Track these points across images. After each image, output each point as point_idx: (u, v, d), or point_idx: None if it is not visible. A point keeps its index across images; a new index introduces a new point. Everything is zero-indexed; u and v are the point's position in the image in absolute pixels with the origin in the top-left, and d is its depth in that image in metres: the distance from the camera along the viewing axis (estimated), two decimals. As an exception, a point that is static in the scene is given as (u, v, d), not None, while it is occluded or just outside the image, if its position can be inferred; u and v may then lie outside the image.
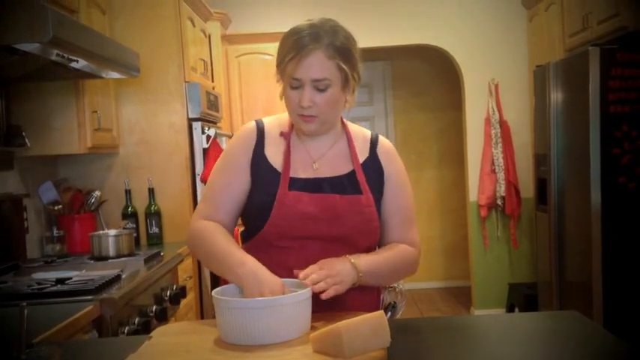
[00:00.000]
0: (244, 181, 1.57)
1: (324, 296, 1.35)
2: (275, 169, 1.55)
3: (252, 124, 1.62)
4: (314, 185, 1.54)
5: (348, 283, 1.41)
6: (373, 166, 1.60)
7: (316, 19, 1.50)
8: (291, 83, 1.48)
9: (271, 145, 1.58)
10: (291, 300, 1.28)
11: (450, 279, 6.17)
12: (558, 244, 3.69)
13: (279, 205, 1.50)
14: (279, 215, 1.50)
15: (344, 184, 1.55)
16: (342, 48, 1.47)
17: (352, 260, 1.44)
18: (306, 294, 1.31)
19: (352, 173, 1.57)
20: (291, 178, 1.54)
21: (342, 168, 1.58)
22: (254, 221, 1.55)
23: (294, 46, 1.45)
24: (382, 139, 1.66)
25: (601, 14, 3.41)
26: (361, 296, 1.52)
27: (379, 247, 1.63)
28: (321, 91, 1.47)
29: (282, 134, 1.59)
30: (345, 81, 1.49)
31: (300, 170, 1.56)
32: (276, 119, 1.64)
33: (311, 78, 1.45)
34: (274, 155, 1.57)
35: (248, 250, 1.52)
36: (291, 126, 1.59)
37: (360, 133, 1.65)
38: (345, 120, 1.64)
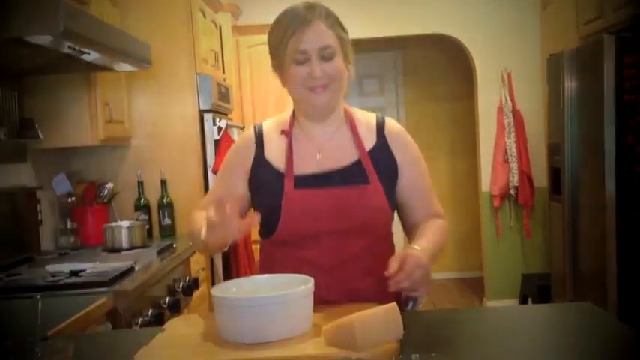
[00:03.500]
0: (241, 188, 1.58)
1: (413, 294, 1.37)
2: (278, 171, 1.53)
3: (250, 131, 1.62)
4: (320, 180, 1.51)
5: (430, 273, 1.37)
6: (383, 152, 1.56)
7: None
8: (297, 58, 1.46)
9: (272, 148, 1.57)
10: (292, 296, 1.23)
11: (463, 269, 6.15)
12: (572, 235, 3.66)
13: (287, 205, 1.48)
14: (289, 215, 1.48)
15: (352, 174, 1.52)
16: (336, 19, 1.51)
17: (417, 247, 1.39)
18: (305, 291, 1.26)
19: (359, 162, 1.53)
20: (297, 176, 1.52)
21: (348, 157, 1.54)
22: (267, 224, 1.53)
23: (293, 20, 1.47)
24: (389, 121, 1.62)
25: (616, 2, 3.36)
26: (379, 286, 1.41)
27: (405, 227, 1.62)
28: (328, 59, 1.46)
29: (282, 132, 1.58)
30: (345, 51, 1.50)
31: (305, 165, 1.53)
32: (275, 121, 1.63)
33: (317, 47, 1.45)
34: (276, 157, 1.55)
35: (266, 247, 1.54)
36: (291, 123, 1.58)
37: (365, 119, 1.61)
38: (347, 106, 1.61)
